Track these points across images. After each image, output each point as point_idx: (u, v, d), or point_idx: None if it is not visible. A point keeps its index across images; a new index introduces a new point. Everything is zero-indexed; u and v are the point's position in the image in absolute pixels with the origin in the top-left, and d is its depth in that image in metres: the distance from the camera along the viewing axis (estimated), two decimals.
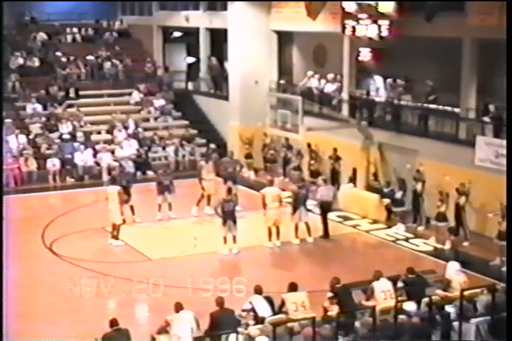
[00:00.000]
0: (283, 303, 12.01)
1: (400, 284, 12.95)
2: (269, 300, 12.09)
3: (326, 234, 18.93)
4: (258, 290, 12.26)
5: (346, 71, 23.44)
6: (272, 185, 19.11)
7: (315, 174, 22.84)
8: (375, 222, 20.11)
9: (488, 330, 11.36)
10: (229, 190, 18.45)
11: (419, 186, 19.27)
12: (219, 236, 17.62)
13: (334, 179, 22.54)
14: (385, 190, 20.13)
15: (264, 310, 11.85)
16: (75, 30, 33.62)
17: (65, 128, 26.86)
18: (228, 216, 17.54)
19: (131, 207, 19.74)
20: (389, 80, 22.34)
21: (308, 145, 23.33)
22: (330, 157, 22.76)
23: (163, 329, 11.30)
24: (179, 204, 20.35)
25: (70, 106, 28.54)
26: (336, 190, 20.63)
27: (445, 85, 20.40)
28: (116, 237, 18.23)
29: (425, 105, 20.94)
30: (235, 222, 17.58)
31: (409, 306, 11.81)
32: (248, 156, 25.70)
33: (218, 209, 17.72)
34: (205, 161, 21.61)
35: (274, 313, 11.85)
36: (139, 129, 27.65)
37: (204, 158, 23.50)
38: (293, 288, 12.25)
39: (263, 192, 18.56)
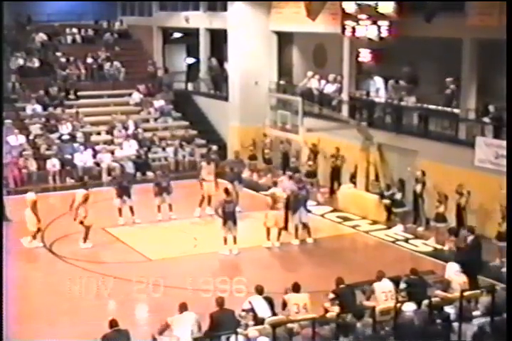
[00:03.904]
0: (285, 304, 11.98)
1: (402, 285, 12.94)
2: (269, 300, 12.04)
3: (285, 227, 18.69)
4: (259, 290, 12.22)
5: (346, 72, 23.42)
6: (276, 186, 19.05)
7: (312, 175, 22.84)
8: (374, 222, 20.09)
9: (489, 331, 11.35)
10: (227, 191, 18.30)
11: (418, 187, 19.27)
12: (219, 236, 17.61)
13: (335, 178, 22.56)
14: (386, 192, 20.07)
15: (263, 310, 11.80)
16: (74, 30, 33.52)
17: (65, 128, 26.82)
18: (229, 217, 17.52)
19: (131, 208, 19.72)
20: (391, 81, 22.31)
21: (314, 145, 23.28)
22: (332, 155, 22.76)
23: (164, 330, 11.29)
24: (179, 205, 20.34)
25: (70, 106, 28.51)
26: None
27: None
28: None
29: (425, 106, 20.93)
30: (235, 222, 17.56)
31: (409, 307, 11.80)
32: (252, 158, 25.46)
33: (219, 210, 17.70)
34: (206, 162, 21.42)
35: (274, 314, 11.83)
36: (139, 130, 27.63)
37: (205, 159, 23.23)
38: (296, 288, 12.20)
39: (272, 191, 18.45)
